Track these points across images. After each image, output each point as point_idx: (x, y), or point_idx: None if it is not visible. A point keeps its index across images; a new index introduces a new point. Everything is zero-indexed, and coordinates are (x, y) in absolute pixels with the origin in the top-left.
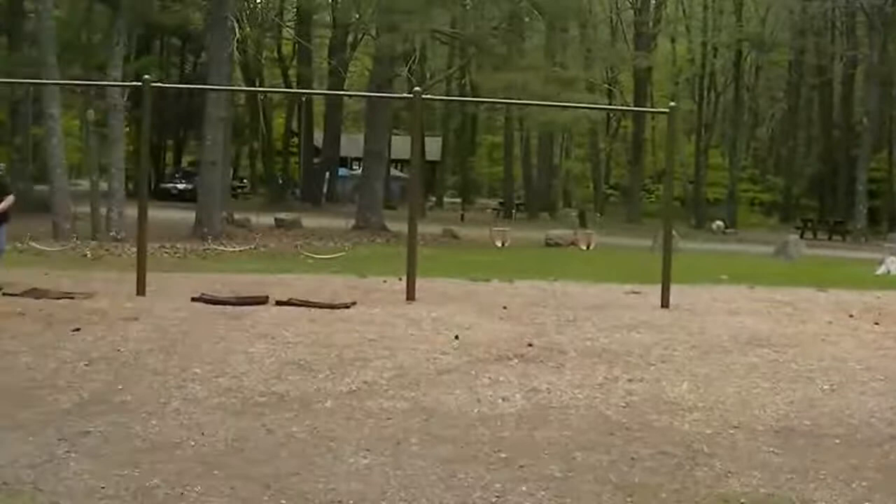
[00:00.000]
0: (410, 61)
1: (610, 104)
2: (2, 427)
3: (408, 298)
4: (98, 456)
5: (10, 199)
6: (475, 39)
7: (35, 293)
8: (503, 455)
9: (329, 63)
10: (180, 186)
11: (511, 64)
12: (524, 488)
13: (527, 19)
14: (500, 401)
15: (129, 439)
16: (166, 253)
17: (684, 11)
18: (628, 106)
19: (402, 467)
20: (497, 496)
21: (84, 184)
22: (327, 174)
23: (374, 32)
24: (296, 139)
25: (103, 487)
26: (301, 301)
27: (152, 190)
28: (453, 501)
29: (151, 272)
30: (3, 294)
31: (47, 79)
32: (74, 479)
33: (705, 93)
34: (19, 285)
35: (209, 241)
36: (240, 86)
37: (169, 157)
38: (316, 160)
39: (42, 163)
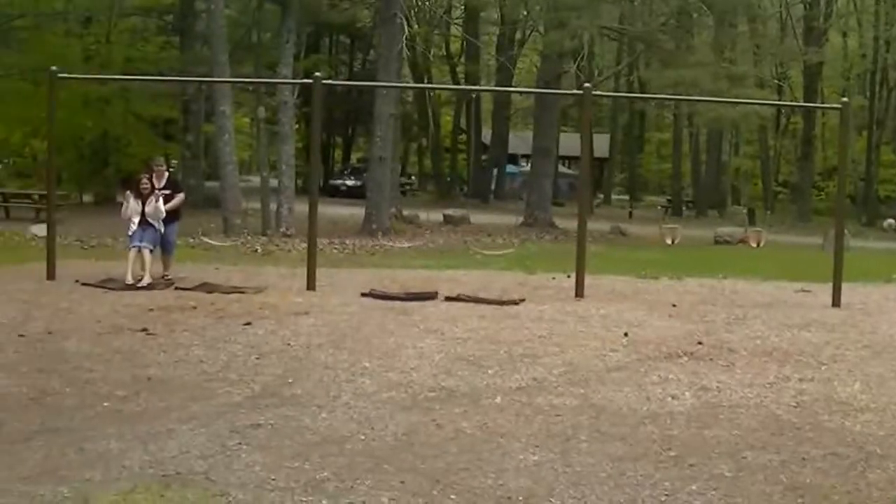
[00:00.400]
0: (578, 58)
1: (780, 100)
2: (175, 419)
3: (577, 295)
4: (269, 448)
5: (180, 198)
6: (643, 36)
7: (206, 287)
8: (672, 453)
9: (497, 60)
10: (349, 183)
11: (680, 60)
12: (694, 487)
13: (695, 15)
14: (669, 399)
15: (299, 432)
16: (335, 249)
17: (856, 5)
18: (798, 102)
19: (570, 464)
20: (666, 495)
21: (254, 180)
22: (495, 171)
23: (541, 29)
24: (463, 136)
25: (274, 479)
26: (470, 297)
27: (321, 186)
28: (622, 499)
29: (321, 267)
30: (176, 288)
31: (219, 77)
32: (246, 471)
33: (877, 88)
34: (191, 280)
35: (378, 237)
36: (408, 83)
37: (337, 153)
38: (484, 157)
39: (213, 159)
